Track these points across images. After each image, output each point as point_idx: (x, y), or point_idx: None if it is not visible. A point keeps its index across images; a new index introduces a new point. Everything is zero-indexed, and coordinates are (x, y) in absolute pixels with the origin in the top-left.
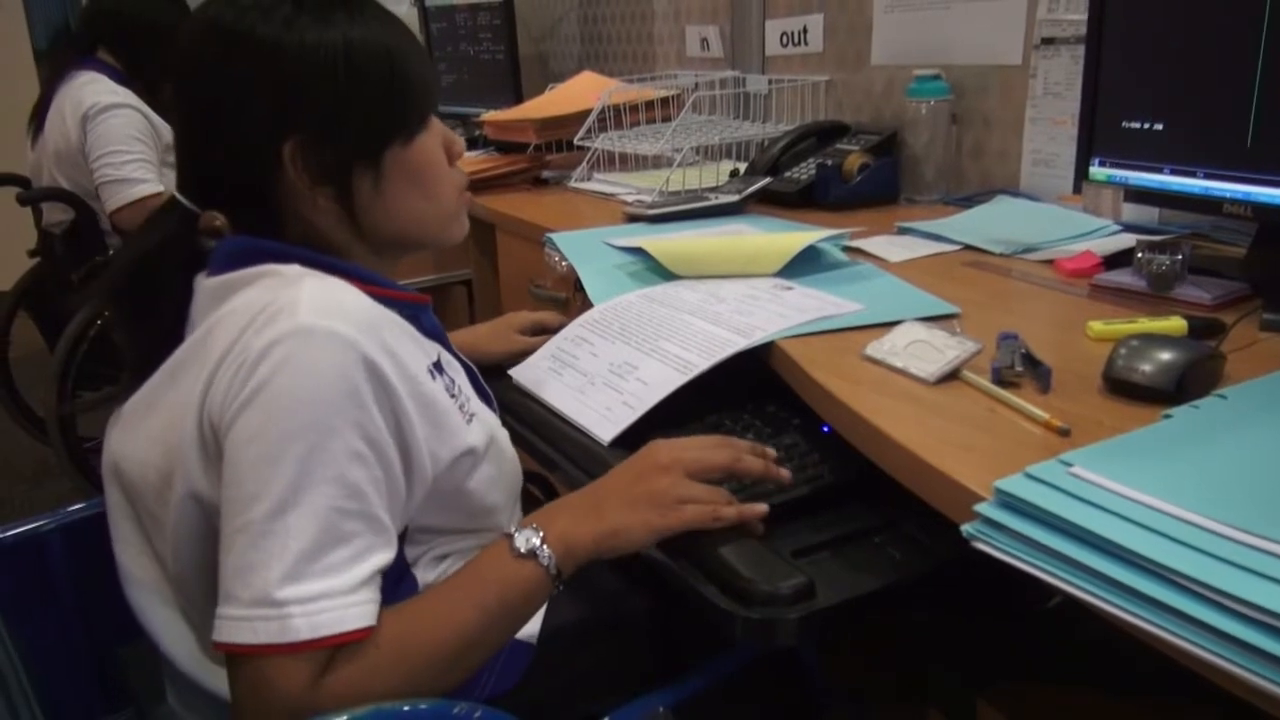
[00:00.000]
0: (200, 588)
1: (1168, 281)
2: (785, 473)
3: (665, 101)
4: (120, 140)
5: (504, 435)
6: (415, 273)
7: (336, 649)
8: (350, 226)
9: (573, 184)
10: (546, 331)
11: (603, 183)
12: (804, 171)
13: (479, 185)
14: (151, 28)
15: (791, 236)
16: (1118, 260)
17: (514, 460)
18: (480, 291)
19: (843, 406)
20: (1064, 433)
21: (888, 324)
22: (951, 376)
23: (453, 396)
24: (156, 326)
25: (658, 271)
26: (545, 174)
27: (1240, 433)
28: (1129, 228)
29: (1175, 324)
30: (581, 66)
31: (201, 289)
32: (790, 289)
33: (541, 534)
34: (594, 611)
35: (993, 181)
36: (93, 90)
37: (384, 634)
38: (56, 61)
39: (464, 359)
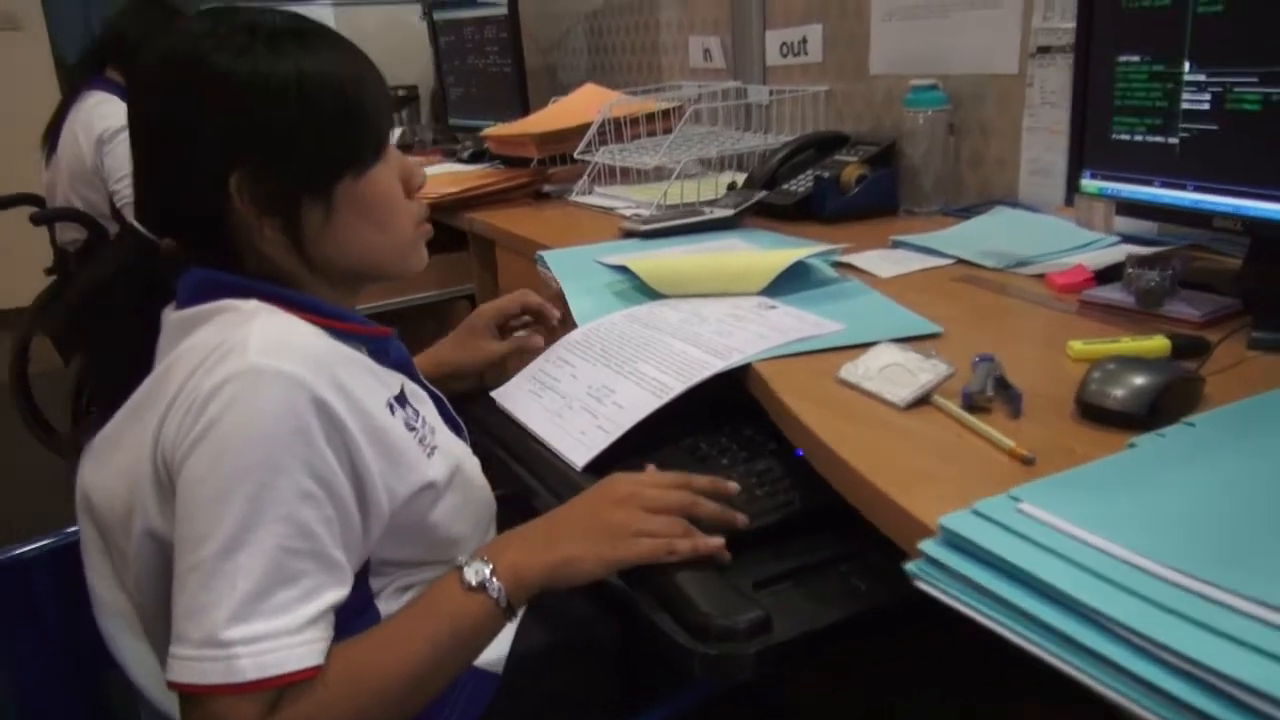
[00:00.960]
0: (162, 622)
1: (1157, 298)
2: (741, 517)
3: (666, 114)
4: None
5: (473, 464)
6: (418, 289)
7: (284, 688)
8: (299, 258)
9: (574, 198)
10: (518, 324)
11: (603, 196)
12: (801, 184)
13: (481, 200)
14: None
15: (778, 254)
16: (1111, 274)
17: (483, 489)
18: None
19: (808, 432)
20: (1028, 461)
21: (866, 345)
22: (924, 401)
23: (412, 429)
24: (115, 357)
25: (645, 290)
26: (547, 188)
27: (1200, 465)
28: (1127, 239)
29: (1158, 344)
30: (589, 78)
31: (167, 322)
32: (774, 308)
33: (491, 566)
34: (562, 637)
35: (991, 191)
36: (103, 112)
37: (333, 671)
38: (71, 82)
39: (432, 389)
